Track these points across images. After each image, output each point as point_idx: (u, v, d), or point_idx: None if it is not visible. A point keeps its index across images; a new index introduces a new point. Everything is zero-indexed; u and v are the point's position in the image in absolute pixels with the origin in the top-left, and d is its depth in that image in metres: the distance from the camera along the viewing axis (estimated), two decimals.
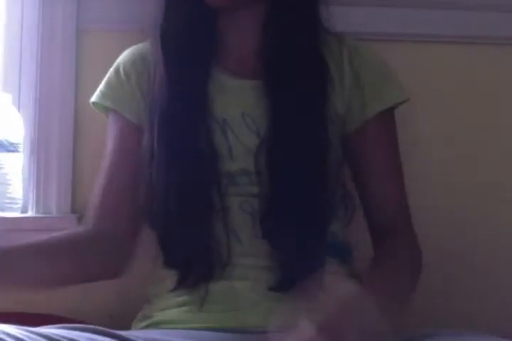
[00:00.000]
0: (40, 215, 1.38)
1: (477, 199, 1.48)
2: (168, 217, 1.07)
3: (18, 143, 1.42)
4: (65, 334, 0.85)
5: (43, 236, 1.09)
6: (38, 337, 0.82)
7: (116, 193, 1.15)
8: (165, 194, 1.07)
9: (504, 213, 1.49)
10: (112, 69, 1.20)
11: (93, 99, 1.21)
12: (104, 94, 1.19)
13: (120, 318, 1.19)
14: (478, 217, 1.48)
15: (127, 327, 1.12)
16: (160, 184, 1.07)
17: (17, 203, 1.41)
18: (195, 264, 1.06)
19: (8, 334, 0.80)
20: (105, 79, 1.20)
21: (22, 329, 0.83)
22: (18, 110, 1.40)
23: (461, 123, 1.47)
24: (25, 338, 0.81)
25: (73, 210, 1.39)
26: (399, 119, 1.19)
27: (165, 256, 1.10)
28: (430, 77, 1.45)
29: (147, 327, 1.09)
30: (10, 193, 1.42)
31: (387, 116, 1.17)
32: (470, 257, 1.47)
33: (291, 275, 1.04)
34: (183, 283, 1.07)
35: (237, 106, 1.11)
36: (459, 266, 1.47)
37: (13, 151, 1.44)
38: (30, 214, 1.38)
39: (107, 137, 1.19)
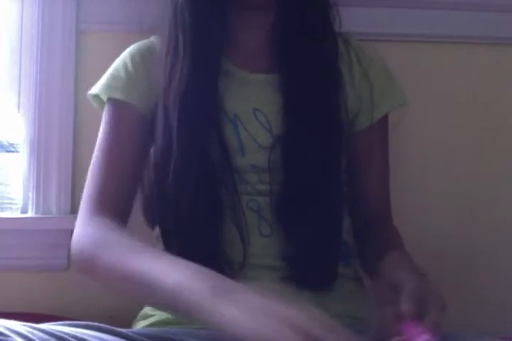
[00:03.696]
0: (39, 215, 1.37)
1: (476, 200, 1.48)
2: (178, 215, 1.04)
3: (17, 144, 1.42)
4: (69, 331, 0.85)
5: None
6: (41, 334, 0.82)
7: (127, 185, 1.11)
8: (176, 192, 1.03)
9: (504, 213, 1.49)
10: (118, 62, 1.16)
11: (96, 91, 1.15)
12: (110, 87, 1.14)
13: (120, 318, 1.18)
14: (477, 216, 1.48)
15: (127, 327, 1.11)
16: (172, 181, 1.04)
17: (17, 203, 1.41)
18: (205, 265, 1.02)
19: (13, 330, 0.80)
20: (111, 71, 1.16)
21: (26, 326, 0.83)
22: (18, 110, 1.40)
23: (461, 123, 1.47)
24: (28, 334, 0.81)
25: (73, 210, 1.38)
26: (398, 119, 1.20)
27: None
28: (430, 77, 1.46)
29: (148, 326, 1.08)
30: (10, 193, 1.42)
31: (386, 118, 1.18)
32: (469, 257, 1.47)
33: (303, 269, 1.04)
34: None
35: (249, 102, 1.10)
36: (458, 267, 1.47)
37: (12, 152, 1.44)
38: (30, 214, 1.38)
39: (107, 127, 1.13)
